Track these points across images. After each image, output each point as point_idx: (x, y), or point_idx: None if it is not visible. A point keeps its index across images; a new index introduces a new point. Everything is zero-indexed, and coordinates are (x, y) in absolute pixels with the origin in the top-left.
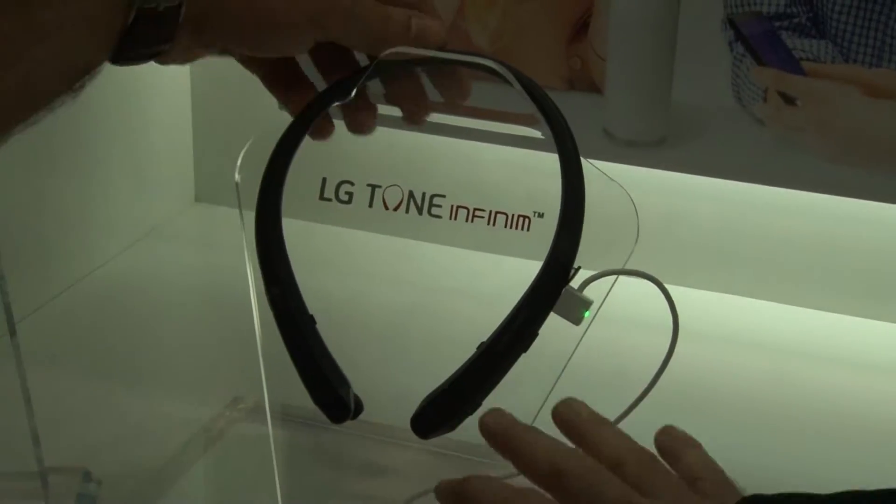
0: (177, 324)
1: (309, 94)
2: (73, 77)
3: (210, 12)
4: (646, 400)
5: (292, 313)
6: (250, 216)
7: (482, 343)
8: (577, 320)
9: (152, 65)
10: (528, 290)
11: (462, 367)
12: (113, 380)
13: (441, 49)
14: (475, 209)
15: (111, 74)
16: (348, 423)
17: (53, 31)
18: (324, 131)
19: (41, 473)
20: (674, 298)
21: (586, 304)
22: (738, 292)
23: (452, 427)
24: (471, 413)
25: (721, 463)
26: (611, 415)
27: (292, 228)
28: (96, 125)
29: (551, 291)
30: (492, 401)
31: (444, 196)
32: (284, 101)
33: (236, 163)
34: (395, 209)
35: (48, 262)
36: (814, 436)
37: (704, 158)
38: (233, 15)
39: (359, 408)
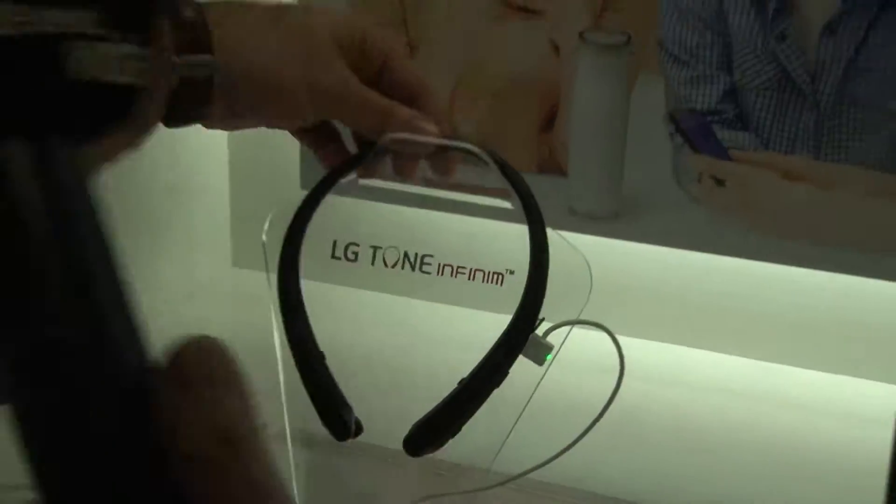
0: None
1: (337, 148)
2: (118, 151)
3: (235, 84)
4: (595, 431)
5: (306, 350)
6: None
7: (462, 379)
8: (540, 362)
9: (195, 142)
10: (501, 336)
11: (445, 399)
12: None
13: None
14: (458, 266)
15: (158, 149)
16: (353, 443)
17: None
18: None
19: None
20: (623, 346)
21: (548, 348)
22: (679, 342)
23: (437, 448)
24: (452, 436)
25: (656, 485)
26: (564, 442)
27: (308, 287)
28: (146, 196)
29: (520, 338)
30: (467, 428)
31: (432, 256)
32: (318, 155)
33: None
34: (393, 266)
35: None
36: (736, 463)
37: (650, 230)
38: (253, 90)
39: (359, 429)
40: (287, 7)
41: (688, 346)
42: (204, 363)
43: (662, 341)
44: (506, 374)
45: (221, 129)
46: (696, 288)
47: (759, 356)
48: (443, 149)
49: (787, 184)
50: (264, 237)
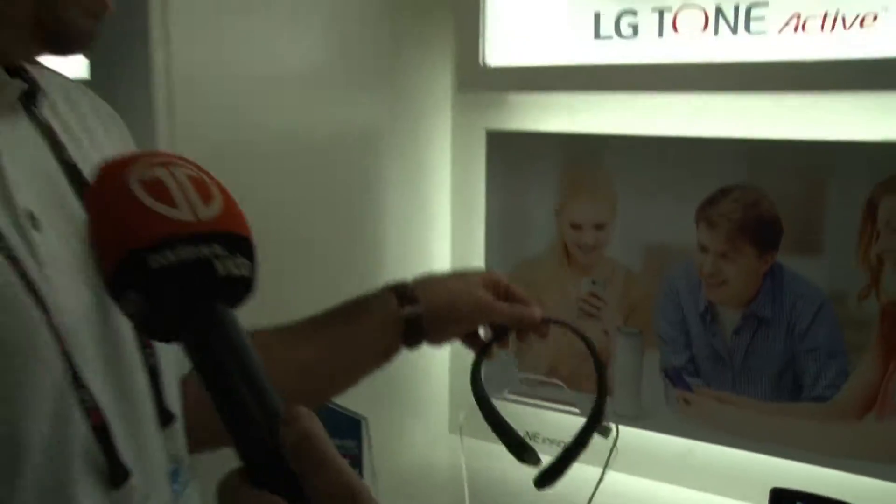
0: (431, 487)
1: (474, 335)
2: (379, 360)
3: (434, 316)
4: None
5: (500, 422)
6: (468, 440)
7: (565, 444)
8: (606, 435)
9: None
10: (583, 424)
11: (555, 457)
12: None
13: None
14: (548, 437)
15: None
16: None
17: (367, 333)
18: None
19: None
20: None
21: (610, 429)
22: (663, 480)
23: (551, 484)
24: (560, 477)
25: None
26: None
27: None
28: (390, 388)
29: (596, 422)
30: None
31: (539, 433)
32: (469, 347)
33: (462, 415)
34: None
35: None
36: None
37: (652, 424)
38: (442, 318)
39: (539, 459)
40: (458, 273)
41: (667, 482)
42: (297, 412)
43: (653, 479)
44: (588, 441)
45: (433, 345)
46: (676, 453)
47: (699, 488)
48: (543, 326)
49: (720, 405)
50: (461, 423)
